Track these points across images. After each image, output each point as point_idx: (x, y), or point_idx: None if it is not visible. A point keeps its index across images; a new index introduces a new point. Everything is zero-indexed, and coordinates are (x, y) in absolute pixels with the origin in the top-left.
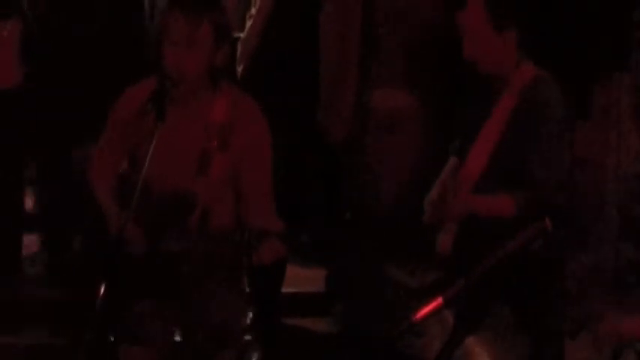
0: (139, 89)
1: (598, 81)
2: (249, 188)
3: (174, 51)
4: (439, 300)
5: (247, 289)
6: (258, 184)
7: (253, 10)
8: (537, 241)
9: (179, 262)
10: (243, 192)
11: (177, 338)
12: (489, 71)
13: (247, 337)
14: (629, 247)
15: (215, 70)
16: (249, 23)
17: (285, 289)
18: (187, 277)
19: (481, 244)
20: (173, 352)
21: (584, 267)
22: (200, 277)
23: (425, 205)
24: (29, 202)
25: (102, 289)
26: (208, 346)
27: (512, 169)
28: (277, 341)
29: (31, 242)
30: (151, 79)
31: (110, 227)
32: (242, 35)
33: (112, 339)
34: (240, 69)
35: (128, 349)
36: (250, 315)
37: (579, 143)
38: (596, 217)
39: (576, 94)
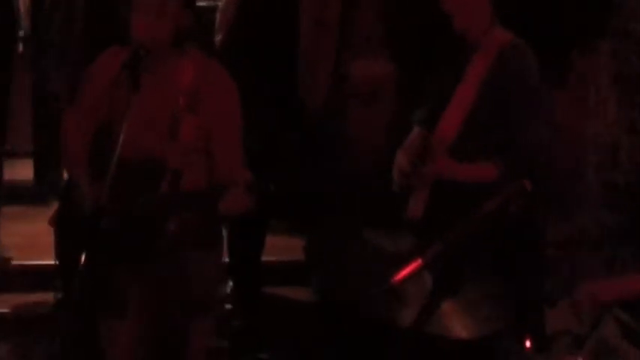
0: (112, 57)
1: (577, 48)
2: (219, 151)
3: (145, 21)
4: (418, 261)
5: (225, 258)
6: (229, 145)
7: None
8: (516, 201)
9: (154, 229)
10: (213, 154)
11: (154, 309)
12: (464, 28)
13: (227, 306)
14: (608, 213)
15: (181, 35)
16: None
17: (265, 258)
18: (162, 244)
19: (452, 208)
20: (151, 323)
21: (564, 234)
22: (176, 245)
23: (394, 174)
24: None
25: (82, 260)
26: (186, 316)
27: (486, 132)
28: (257, 310)
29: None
30: (119, 47)
31: (81, 196)
32: (220, 4)
33: (93, 309)
34: (218, 39)
35: (108, 320)
36: (230, 284)
37: (558, 110)
38: (575, 185)
39: (555, 61)
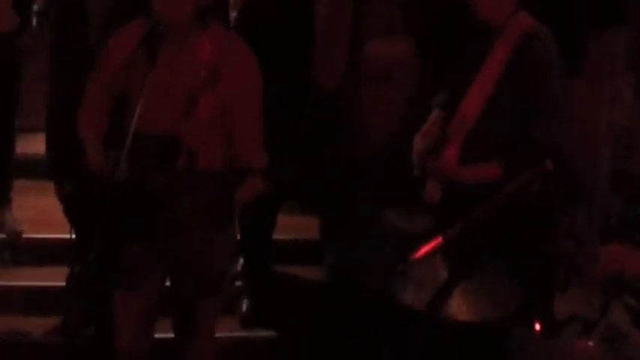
0: (130, 31)
1: (592, 36)
2: (238, 128)
3: None
4: (439, 239)
5: (237, 236)
6: (248, 123)
7: None
8: (538, 182)
9: (167, 205)
10: (232, 132)
11: (166, 284)
12: (486, 16)
13: (238, 284)
14: (620, 201)
15: (203, 10)
16: None
17: (277, 237)
18: (175, 220)
19: (468, 191)
20: (161, 298)
21: (576, 221)
22: (188, 221)
23: (413, 158)
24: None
25: (96, 232)
26: (196, 293)
27: (505, 118)
28: (268, 289)
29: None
30: (141, 20)
31: (95, 168)
32: None
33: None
34: (233, 15)
35: (120, 294)
36: (241, 262)
37: (572, 97)
38: (589, 173)
39: (570, 49)
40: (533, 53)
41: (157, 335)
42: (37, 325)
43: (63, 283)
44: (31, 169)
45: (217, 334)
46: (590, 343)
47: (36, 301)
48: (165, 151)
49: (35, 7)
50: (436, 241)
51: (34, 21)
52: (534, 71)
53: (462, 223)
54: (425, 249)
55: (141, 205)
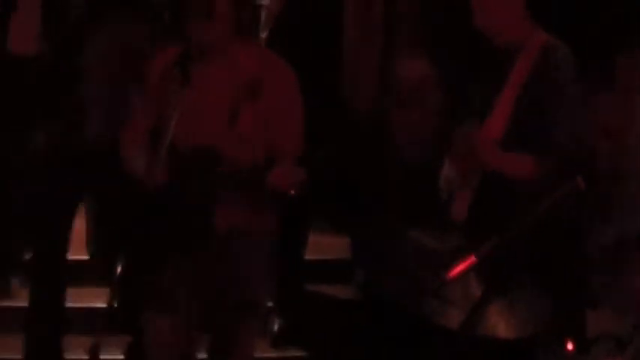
0: (168, 55)
1: (622, 48)
2: (279, 140)
3: (196, 23)
4: (472, 258)
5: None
6: (289, 135)
7: None
8: (570, 199)
9: (204, 222)
10: (274, 144)
11: (202, 307)
12: (501, 39)
13: (269, 304)
14: None
15: (242, 28)
16: None
17: (308, 257)
18: (212, 238)
19: (496, 209)
20: (198, 321)
21: (608, 236)
22: (226, 240)
23: (441, 183)
24: None
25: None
26: (233, 315)
27: (530, 136)
28: (299, 308)
29: None
30: (177, 45)
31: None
32: (265, 2)
33: (138, 306)
34: (264, 36)
35: (153, 317)
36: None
37: (603, 112)
38: (617, 187)
39: (597, 63)
40: (549, 66)
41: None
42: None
43: (77, 305)
44: None
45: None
46: None
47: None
48: (206, 161)
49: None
50: (470, 260)
51: None
52: (549, 80)
53: (495, 241)
54: (459, 268)
55: (179, 220)
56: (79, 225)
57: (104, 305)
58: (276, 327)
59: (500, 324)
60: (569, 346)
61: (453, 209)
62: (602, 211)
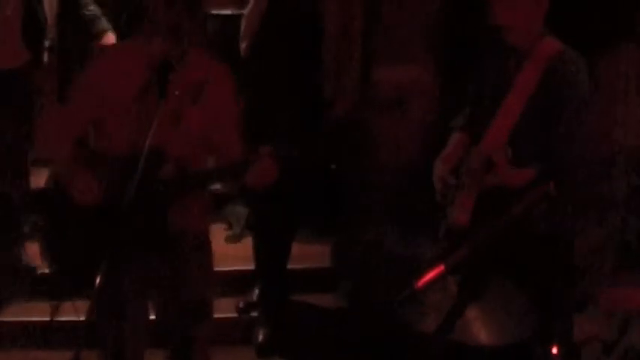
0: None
1: (604, 53)
2: (220, 140)
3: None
4: (441, 267)
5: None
6: (229, 135)
7: None
8: (541, 205)
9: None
10: (215, 144)
11: (152, 316)
12: (517, 38)
13: (254, 314)
14: (637, 218)
15: (193, 38)
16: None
17: (293, 266)
18: (162, 241)
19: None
20: (148, 328)
21: (592, 240)
22: (177, 245)
23: (435, 183)
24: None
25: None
26: (184, 321)
27: (534, 142)
28: (284, 318)
29: None
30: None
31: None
32: (245, 12)
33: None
34: (243, 46)
35: (109, 324)
36: (256, 291)
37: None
38: (603, 189)
39: None
40: (562, 77)
41: None
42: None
43: (79, 318)
44: None
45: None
46: None
47: (52, 336)
48: (150, 162)
49: (47, 43)
50: (438, 269)
51: (46, 56)
52: (564, 89)
53: (464, 249)
54: (427, 277)
55: (132, 224)
56: None
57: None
58: (261, 336)
59: (483, 331)
60: (555, 351)
61: (453, 215)
62: (586, 213)
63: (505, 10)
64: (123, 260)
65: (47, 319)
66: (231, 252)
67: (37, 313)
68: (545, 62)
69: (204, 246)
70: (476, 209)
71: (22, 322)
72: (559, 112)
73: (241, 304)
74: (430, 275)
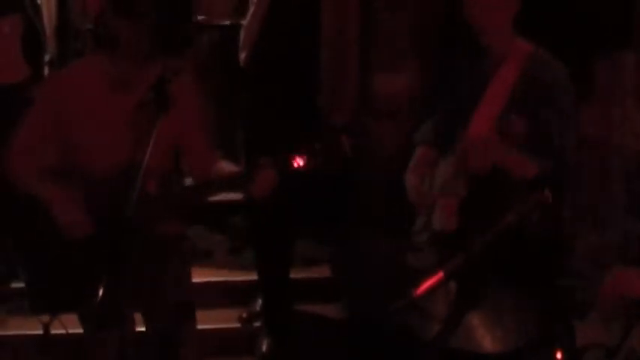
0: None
1: (601, 59)
2: (191, 150)
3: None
4: (439, 274)
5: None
6: (200, 145)
7: None
8: (536, 212)
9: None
10: (187, 154)
11: (136, 327)
12: (492, 40)
13: (257, 324)
14: (636, 223)
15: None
16: (251, 10)
17: (296, 275)
18: (140, 251)
19: (485, 218)
20: (134, 336)
21: (592, 246)
22: (150, 250)
23: (410, 196)
24: None
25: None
26: (170, 323)
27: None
28: (288, 328)
29: None
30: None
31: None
32: (244, 22)
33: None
34: (242, 56)
35: (95, 335)
36: (260, 302)
37: (583, 121)
38: (602, 195)
39: (579, 72)
40: (544, 76)
41: None
42: None
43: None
44: None
45: None
46: None
47: (54, 349)
48: (125, 175)
49: (46, 57)
50: (437, 276)
51: (46, 70)
52: (548, 92)
53: (462, 256)
54: (425, 285)
55: (105, 238)
56: None
57: None
58: (264, 347)
59: (487, 338)
60: (559, 356)
61: (438, 220)
62: (585, 219)
63: (479, 10)
64: (121, 273)
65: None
66: (234, 263)
67: (34, 327)
68: (521, 63)
69: (183, 246)
70: (464, 213)
71: (24, 336)
72: (550, 110)
73: (244, 315)
74: (429, 283)
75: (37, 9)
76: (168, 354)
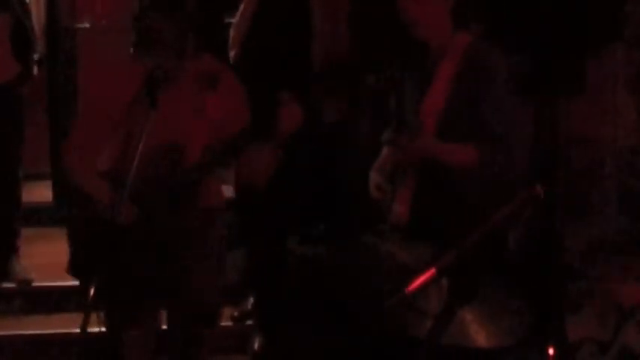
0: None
1: (592, 54)
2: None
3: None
4: (432, 271)
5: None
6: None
7: None
8: (528, 207)
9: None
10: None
11: (164, 325)
12: (427, 35)
13: (249, 322)
14: (628, 220)
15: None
16: (240, 8)
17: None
18: (172, 252)
19: (438, 207)
20: (160, 335)
21: (584, 242)
22: (180, 252)
23: (372, 192)
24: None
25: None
26: (196, 324)
27: (460, 131)
28: (280, 326)
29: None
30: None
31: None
32: (234, 20)
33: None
34: (232, 54)
35: (128, 329)
36: (252, 300)
37: (575, 118)
38: (593, 191)
39: (571, 68)
40: (477, 64)
41: None
42: None
43: (73, 330)
44: (36, 216)
45: None
46: None
47: (47, 348)
48: (167, 159)
49: (36, 56)
50: (429, 273)
51: (35, 70)
52: (486, 76)
53: (454, 252)
54: (418, 282)
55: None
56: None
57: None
58: (257, 345)
59: (481, 333)
60: (551, 352)
61: (393, 213)
62: (576, 215)
63: (411, 5)
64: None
65: (41, 332)
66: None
67: (32, 326)
68: (460, 55)
69: (210, 257)
70: (420, 204)
71: (17, 336)
72: (488, 96)
73: (236, 313)
74: (421, 280)
75: (25, 8)
76: (190, 353)
